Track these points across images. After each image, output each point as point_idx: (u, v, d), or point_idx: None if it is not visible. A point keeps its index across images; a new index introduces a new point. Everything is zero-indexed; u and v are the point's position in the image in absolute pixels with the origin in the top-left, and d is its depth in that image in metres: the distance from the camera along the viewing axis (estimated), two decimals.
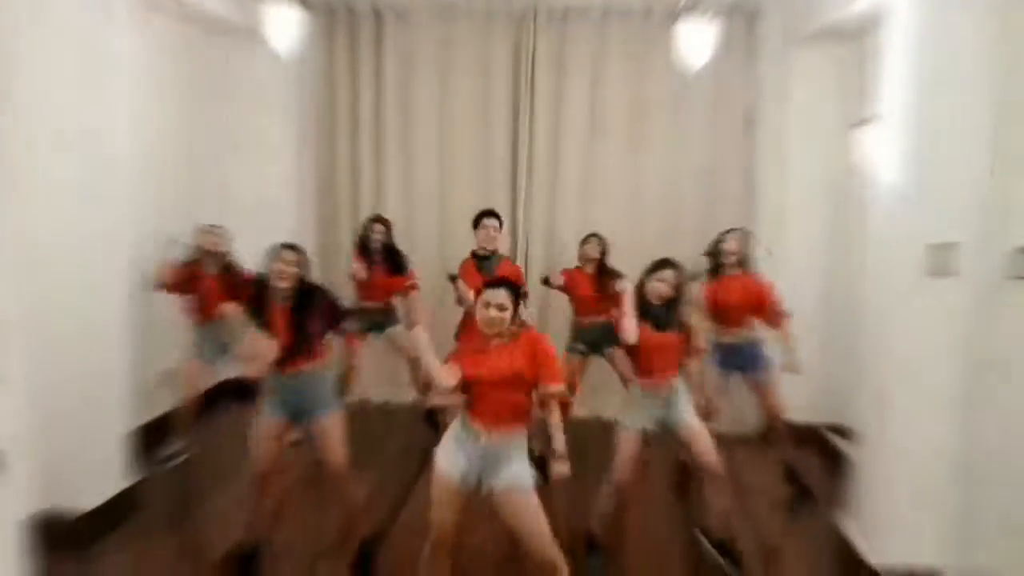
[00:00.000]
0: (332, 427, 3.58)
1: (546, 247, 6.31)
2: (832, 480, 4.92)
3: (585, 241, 5.22)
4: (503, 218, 5.29)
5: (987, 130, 3.39)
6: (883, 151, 3.78)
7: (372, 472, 4.82)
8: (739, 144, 6.02)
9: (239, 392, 5.19)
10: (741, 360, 4.68)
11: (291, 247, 3.58)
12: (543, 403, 3.00)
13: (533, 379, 2.97)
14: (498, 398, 2.95)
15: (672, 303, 3.73)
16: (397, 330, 5.56)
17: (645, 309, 3.73)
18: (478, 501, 3.06)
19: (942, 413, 3.53)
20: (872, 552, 3.66)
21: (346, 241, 6.14)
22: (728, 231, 4.72)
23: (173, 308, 5.01)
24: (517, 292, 3.00)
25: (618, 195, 6.23)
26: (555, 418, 3.02)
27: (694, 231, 6.04)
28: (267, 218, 6.02)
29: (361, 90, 6.33)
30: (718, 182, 6.12)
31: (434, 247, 6.35)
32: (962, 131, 3.42)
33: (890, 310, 3.63)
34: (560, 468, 2.97)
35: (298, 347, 3.49)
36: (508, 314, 2.93)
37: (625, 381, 4.32)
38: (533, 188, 6.31)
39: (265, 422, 3.56)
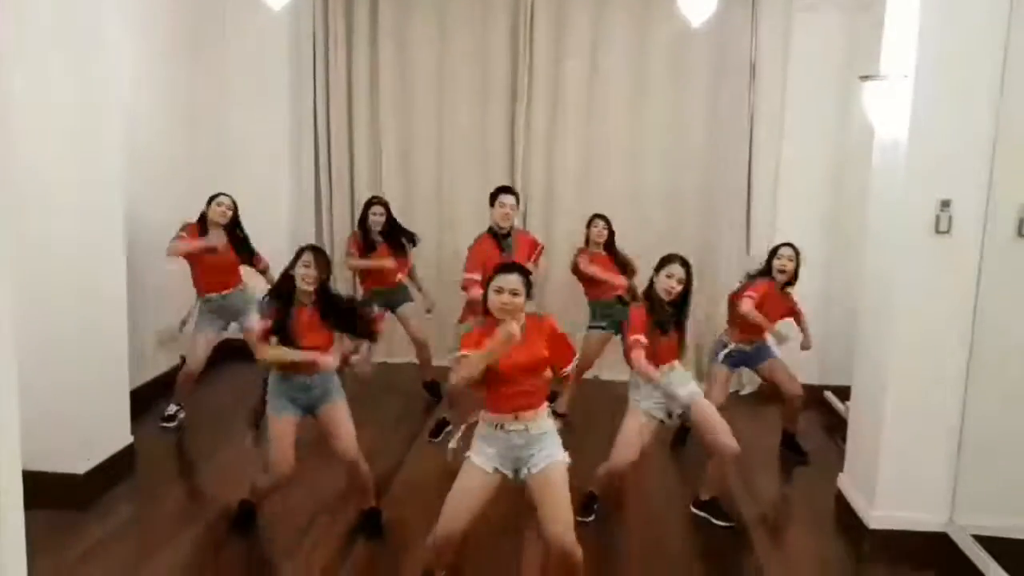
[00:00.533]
0: (343, 416, 3.59)
1: (545, 220, 6.24)
2: (832, 442, 4.94)
3: (592, 223, 5.23)
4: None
5: (993, 87, 3.33)
6: (888, 108, 3.72)
7: (371, 430, 4.81)
8: (740, 103, 5.92)
9: (241, 353, 5.17)
10: (748, 358, 4.78)
11: (316, 250, 3.57)
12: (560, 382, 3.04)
13: (551, 362, 3.01)
14: (519, 385, 2.93)
15: (679, 302, 3.75)
16: (408, 309, 5.51)
17: (654, 310, 3.75)
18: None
19: (943, 373, 3.52)
20: (872, 514, 3.66)
21: (343, 211, 6.12)
22: (783, 245, 4.70)
23: (166, 268, 4.97)
24: (529, 276, 2.98)
25: (620, 155, 6.15)
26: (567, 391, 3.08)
27: (695, 192, 6.02)
28: (263, 174, 5.97)
29: (356, 57, 6.24)
30: (718, 143, 6.03)
31: (433, 221, 6.29)
32: (968, 88, 3.36)
33: (892, 269, 3.60)
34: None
35: (324, 349, 3.51)
36: (522, 299, 2.90)
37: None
38: (532, 156, 6.22)
39: (280, 424, 3.54)
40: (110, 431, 4.12)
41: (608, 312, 5.14)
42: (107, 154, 3.99)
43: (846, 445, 4.10)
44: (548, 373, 3.04)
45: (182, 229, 4.80)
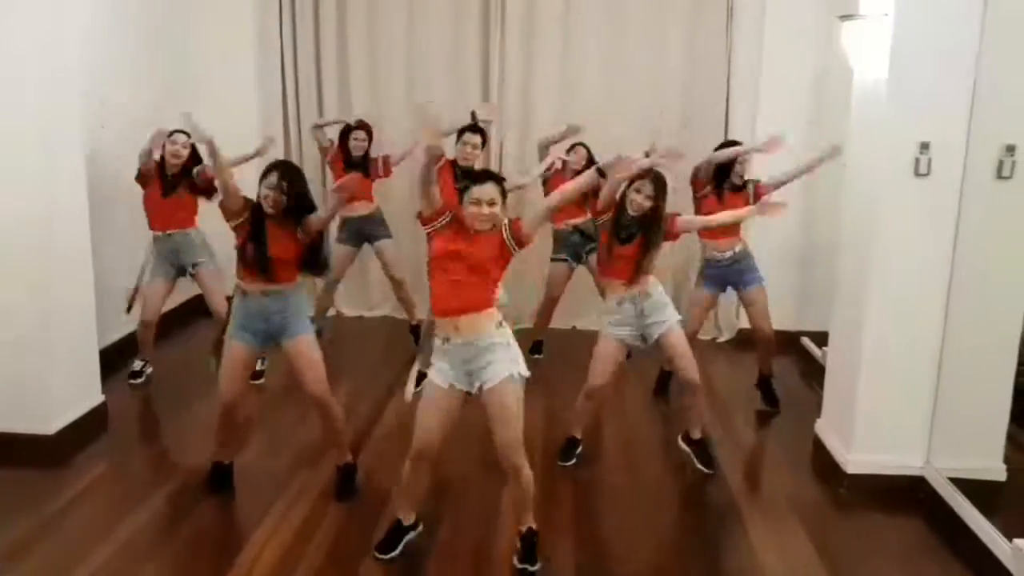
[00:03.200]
0: (307, 349, 3.45)
1: (520, 147, 6.12)
2: (809, 388, 4.96)
3: (570, 150, 5.14)
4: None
5: (973, 27, 3.27)
6: (866, 48, 3.65)
7: (348, 383, 4.78)
8: (719, 41, 5.83)
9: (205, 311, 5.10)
10: (734, 276, 4.65)
11: (284, 167, 3.41)
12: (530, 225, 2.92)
13: (506, 256, 2.92)
14: (462, 279, 2.87)
15: (647, 219, 3.65)
16: (384, 244, 5.46)
17: (619, 218, 3.69)
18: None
19: (920, 316, 3.51)
20: (849, 459, 3.68)
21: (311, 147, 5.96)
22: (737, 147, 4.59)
23: (132, 223, 4.86)
24: (503, 184, 2.92)
25: (595, 95, 6.02)
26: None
27: (672, 132, 5.90)
28: (232, 119, 5.80)
29: None
30: (697, 80, 5.94)
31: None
32: (948, 28, 3.30)
33: (871, 212, 3.57)
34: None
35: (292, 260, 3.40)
36: (498, 208, 2.86)
37: (601, 291, 4.26)
38: (507, 89, 6.10)
39: (232, 349, 3.42)
40: (79, 390, 4.04)
41: (568, 242, 5.17)
42: (66, 97, 3.85)
43: (823, 391, 4.11)
44: (495, 277, 2.94)
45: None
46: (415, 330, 5.55)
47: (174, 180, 4.70)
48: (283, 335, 3.44)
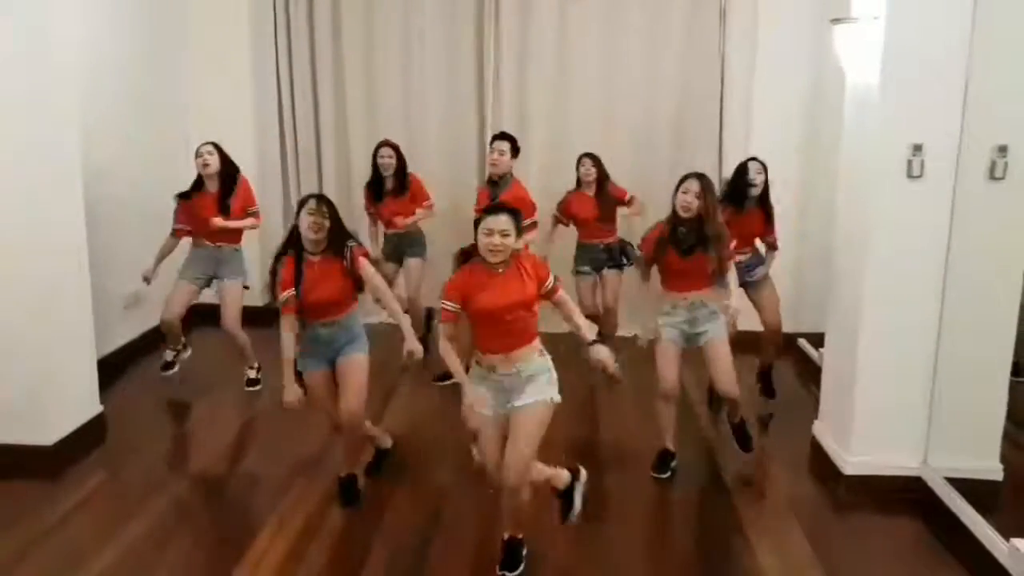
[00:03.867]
0: (355, 369, 3.50)
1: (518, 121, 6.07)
2: (806, 390, 4.96)
3: (579, 163, 5.12)
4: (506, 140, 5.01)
5: (964, 30, 3.29)
6: (858, 51, 3.67)
7: None
8: (712, 44, 5.83)
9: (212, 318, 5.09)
10: (744, 274, 4.70)
11: (319, 197, 3.46)
12: (555, 302, 3.02)
13: (539, 294, 2.96)
14: (511, 324, 2.90)
15: (700, 221, 3.68)
16: (412, 262, 5.39)
17: (673, 229, 3.73)
18: None
19: (916, 317, 3.52)
20: (847, 460, 3.69)
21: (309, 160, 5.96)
22: (751, 159, 4.61)
23: (131, 233, 4.87)
24: (518, 216, 2.92)
25: (590, 97, 6.02)
26: (573, 308, 3.10)
27: (668, 129, 5.94)
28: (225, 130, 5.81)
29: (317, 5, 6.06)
30: (691, 86, 5.93)
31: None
32: (939, 30, 3.32)
33: (864, 213, 3.59)
34: (602, 352, 3.00)
35: (339, 302, 3.47)
36: (512, 240, 2.86)
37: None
38: (502, 89, 6.09)
39: (311, 379, 3.52)
40: (78, 401, 4.05)
41: (594, 255, 5.15)
42: (62, 106, 3.87)
43: (820, 392, 4.12)
44: (535, 309, 2.96)
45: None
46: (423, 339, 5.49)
47: (225, 192, 4.75)
48: (341, 355, 3.53)
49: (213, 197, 4.71)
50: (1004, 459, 3.49)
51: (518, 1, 5.95)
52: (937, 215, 3.42)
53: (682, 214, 3.70)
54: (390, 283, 5.32)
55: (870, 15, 3.48)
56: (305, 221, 3.35)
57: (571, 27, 5.97)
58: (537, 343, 2.98)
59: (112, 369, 4.82)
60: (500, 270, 2.89)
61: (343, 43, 6.12)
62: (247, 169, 5.89)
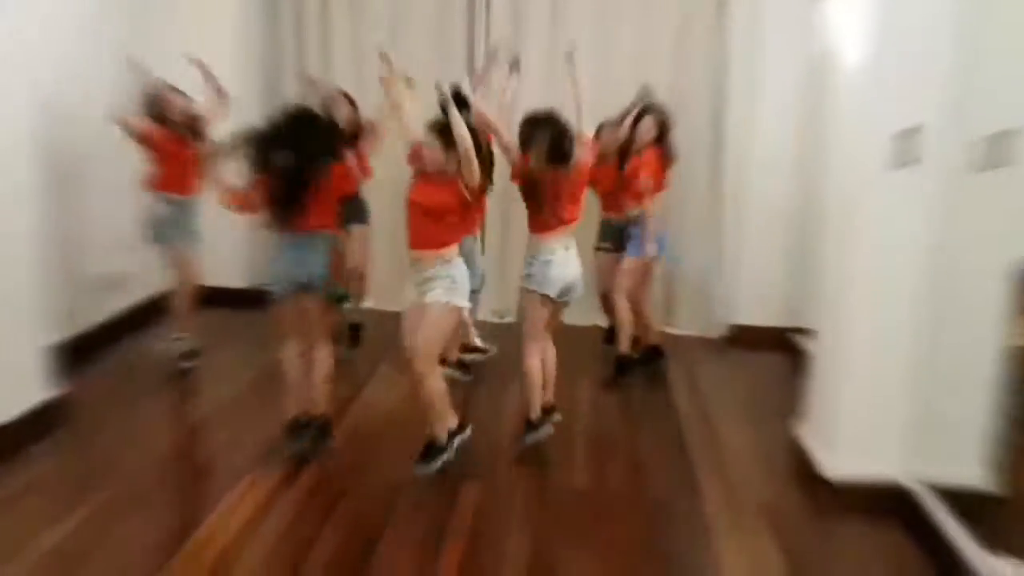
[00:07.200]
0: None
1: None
2: (794, 385, 4.74)
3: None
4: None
5: (958, 11, 3.05)
6: (846, 31, 3.45)
7: None
8: (711, 28, 5.61)
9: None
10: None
11: None
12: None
13: (459, 204, 3.41)
14: (418, 222, 3.43)
15: None
16: (357, 229, 4.94)
17: None
18: None
19: (902, 312, 3.30)
20: (828, 463, 3.49)
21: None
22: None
23: (103, 209, 4.71)
24: (448, 132, 3.29)
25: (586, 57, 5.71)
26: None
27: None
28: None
29: None
30: (690, 66, 5.71)
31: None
32: (927, 10, 3.09)
33: (851, 203, 3.38)
34: None
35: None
36: (437, 154, 3.36)
37: None
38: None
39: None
40: (17, 388, 3.83)
41: (613, 233, 4.89)
42: (13, 90, 3.69)
43: (806, 392, 3.90)
44: (450, 221, 3.41)
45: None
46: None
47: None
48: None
49: None
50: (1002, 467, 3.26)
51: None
52: (923, 206, 3.19)
53: None
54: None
55: None
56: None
57: (564, 14, 5.77)
58: (445, 252, 3.42)
59: (83, 351, 4.69)
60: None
61: (332, 33, 5.99)
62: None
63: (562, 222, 3.67)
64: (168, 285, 4.80)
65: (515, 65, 4.14)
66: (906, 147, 3.13)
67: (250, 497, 3.42)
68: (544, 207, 3.62)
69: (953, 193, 3.12)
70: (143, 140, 4.43)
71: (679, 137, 5.57)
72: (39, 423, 3.88)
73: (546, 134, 3.55)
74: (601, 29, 5.73)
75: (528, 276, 3.70)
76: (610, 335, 5.13)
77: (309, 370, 3.71)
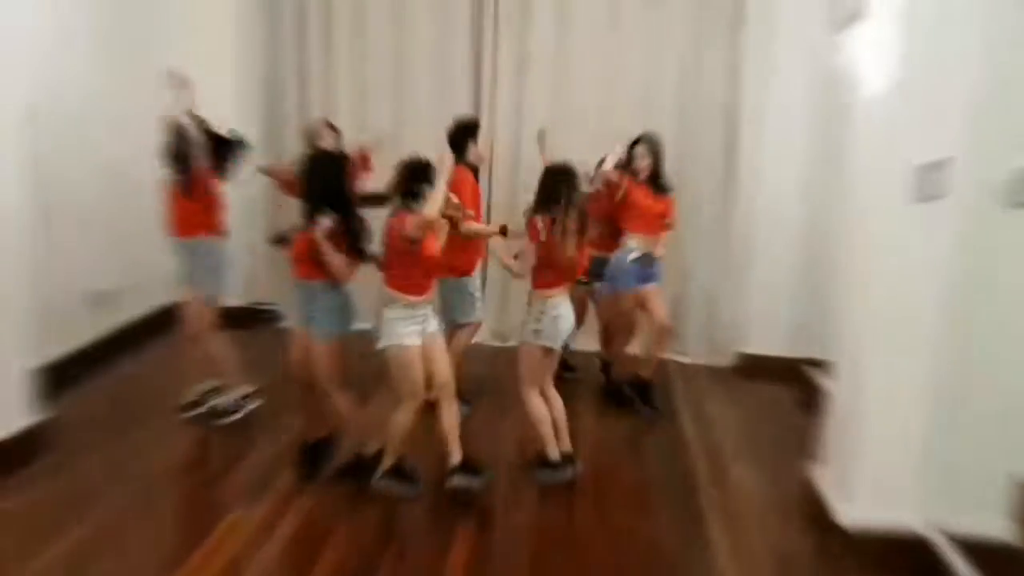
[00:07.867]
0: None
1: (513, 135, 5.84)
2: (808, 421, 4.56)
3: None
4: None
5: (978, 39, 2.90)
6: (869, 59, 3.30)
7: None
8: (725, 48, 5.47)
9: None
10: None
11: None
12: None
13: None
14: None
15: None
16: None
17: None
18: None
19: (925, 352, 3.13)
20: (844, 509, 3.33)
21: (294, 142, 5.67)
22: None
23: (85, 225, 4.59)
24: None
25: (590, 101, 5.70)
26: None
27: (673, 136, 5.50)
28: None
29: None
30: (701, 88, 5.57)
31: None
32: (950, 41, 2.94)
33: (870, 236, 3.23)
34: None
35: None
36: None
37: None
38: (498, 97, 5.83)
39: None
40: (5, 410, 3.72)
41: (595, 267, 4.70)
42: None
43: (821, 433, 3.72)
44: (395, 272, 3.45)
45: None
46: None
47: None
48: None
49: None
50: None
51: (518, 8, 5.69)
52: (948, 243, 3.03)
53: None
54: None
55: (881, 17, 3.11)
56: None
57: (570, 31, 5.68)
58: (392, 294, 3.45)
59: (70, 373, 4.55)
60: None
61: (334, 44, 5.92)
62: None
63: (573, 280, 3.77)
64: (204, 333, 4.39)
65: (541, 137, 4.50)
66: (931, 180, 2.97)
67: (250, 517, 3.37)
68: (564, 271, 3.66)
69: (979, 230, 2.96)
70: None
71: (691, 162, 5.48)
72: (20, 450, 3.74)
73: (573, 196, 3.59)
74: (610, 57, 5.65)
75: (536, 332, 3.68)
76: (606, 366, 5.10)
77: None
